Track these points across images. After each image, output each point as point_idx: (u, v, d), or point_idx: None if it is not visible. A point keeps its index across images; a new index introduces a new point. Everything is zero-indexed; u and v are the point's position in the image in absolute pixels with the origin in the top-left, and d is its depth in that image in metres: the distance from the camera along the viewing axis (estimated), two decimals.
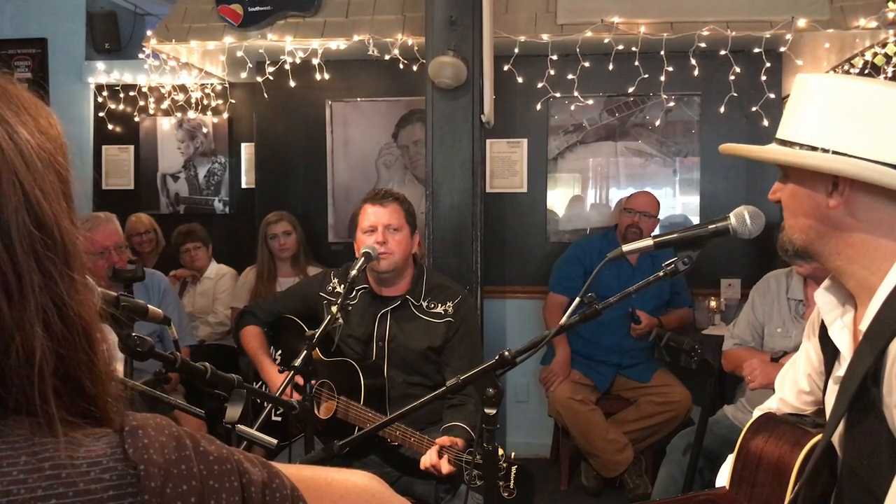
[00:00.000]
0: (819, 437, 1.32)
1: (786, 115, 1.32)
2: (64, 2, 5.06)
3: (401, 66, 4.08)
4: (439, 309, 2.58)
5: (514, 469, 1.95)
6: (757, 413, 1.56)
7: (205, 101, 4.77)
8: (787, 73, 4.09)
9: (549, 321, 3.96)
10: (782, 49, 3.79)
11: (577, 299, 1.45)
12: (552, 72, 3.95)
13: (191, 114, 4.84)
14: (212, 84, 4.78)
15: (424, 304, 2.59)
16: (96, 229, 2.97)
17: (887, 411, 1.14)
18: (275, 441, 1.63)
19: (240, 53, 4.11)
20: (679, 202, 4.46)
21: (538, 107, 4.20)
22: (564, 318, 1.47)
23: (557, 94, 4.16)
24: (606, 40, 3.80)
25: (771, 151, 1.32)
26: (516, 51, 3.90)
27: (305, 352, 2.04)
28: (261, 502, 0.61)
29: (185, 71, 4.56)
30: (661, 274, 1.43)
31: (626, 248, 1.46)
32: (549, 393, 3.83)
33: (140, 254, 4.30)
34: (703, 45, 3.79)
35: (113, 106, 4.87)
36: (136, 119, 4.98)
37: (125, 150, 5.11)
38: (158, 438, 0.58)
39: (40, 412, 0.56)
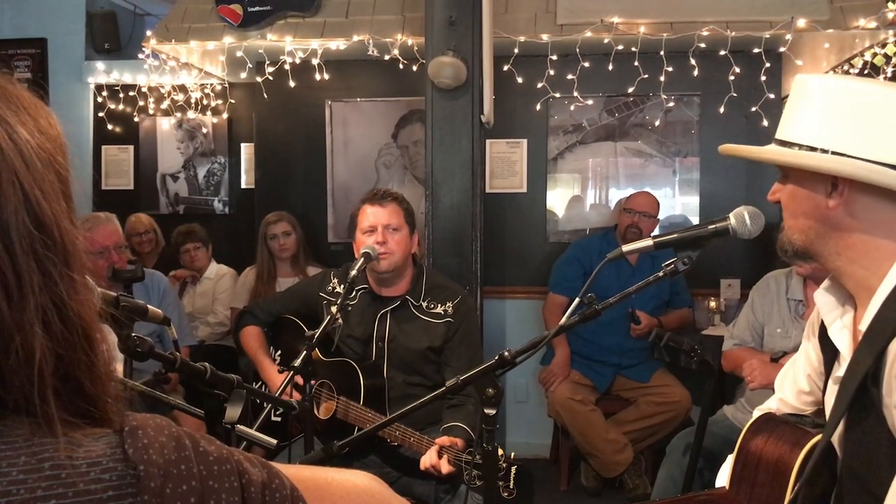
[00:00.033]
0: (819, 437, 1.32)
1: (785, 115, 1.32)
2: (63, 2, 5.06)
3: (400, 66, 4.08)
4: (439, 309, 2.58)
5: (513, 469, 1.95)
6: (757, 413, 1.56)
7: (204, 102, 4.77)
8: (787, 73, 4.09)
9: (548, 321, 3.96)
10: (782, 49, 3.79)
11: (577, 299, 1.45)
12: (552, 72, 3.95)
13: (190, 114, 4.84)
14: (211, 84, 4.78)
15: (424, 305, 2.59)
16: (96, 229, 2.97)
17: (887, 412, 1.14)
18: (274, 441, 1.63)
19: (239, 53, 4.11)
20: (679, 202, 4.46)
21: (538, 107, 4.20)
22: (564, 319, 1.47)
23: (557, 95, 4.16)
24: (606, 40, 3.80)
25: (770, 152, 1.32)
26: (516, 51, 3.91)
27: (305, 352, 2.04)
28: (260, 502, 0.61)
29: (185, 71, 4.56)
30: (660, 274, 1.43)
31: (625, 248, 1.46)
32: (549, 393, 3.83)
33: (140, 254, 4.30)
34: (702, 45, 3.79)
35: (112, 106, 4.87)
36: (136, 119, 4.98)
37: (125, 150, 5.11)
38: (158, 439, 0.58)
39: (40, 412, 0.56)
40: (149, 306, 1.72)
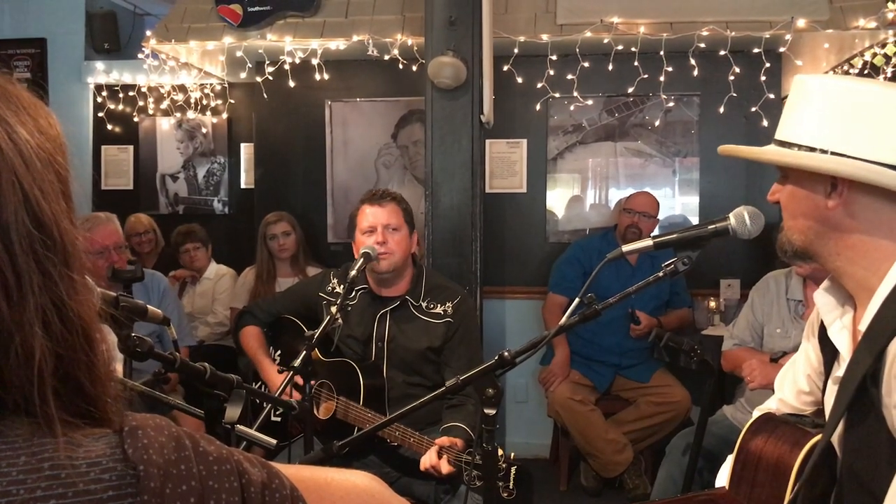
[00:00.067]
0: (818, 437, 1.32)
1: (784, 115, 1.32)
2: (63, 2, 5.06)
3: (400, 66, 4.08)
4: (439, 309, 2.58)
5: (513, 469, 1.95)
6: (756, 413, 1.56)
7: (204, 102, 4.77)
8: (787, 73, 4.09)
9: (548, 321, 3.96)
10: (782, 49, 3.79)
11: (577, 300, 1.45)
12: (552, 72, 3.95)
13: (190, 114, 4.84)
14: (211, 84, 4.78)
15: (424, 305, 2.59)
16: (96, 229, 2.97)
17: (886, 412, 1.14)
18: (274, 441, 1.63)
19: (239, 53, 4.11)
20: (678, 202, 4.46)
21: (538, 107, 4.20)
22: (564, 319, 1.47)
23: (557, 95, 4.16)
24: (606, 40, 3.80)
25: (769, 152, 1.32)
26: (516, 51, 3.91)
27: (305, 352, 2.04)
28: (260, 502, 0.61)
29: (185, 71, 4.56)
30: (660, 274, 1.43)
31: (625, 248, 1.47)
32: (549, 393, 3.83)
33: (139, 254, 4.30)
34: (702, 45, 3.79)
35: (112, 106, 4.86)
36: (136, 119, 4.97)
37: (124, 150, 5.11)
38: (158, 439, 0.58)
39: (40, 412, 0.56)
40: (148, 306, 1.72)
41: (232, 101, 4.85)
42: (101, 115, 4.93)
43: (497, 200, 4.43)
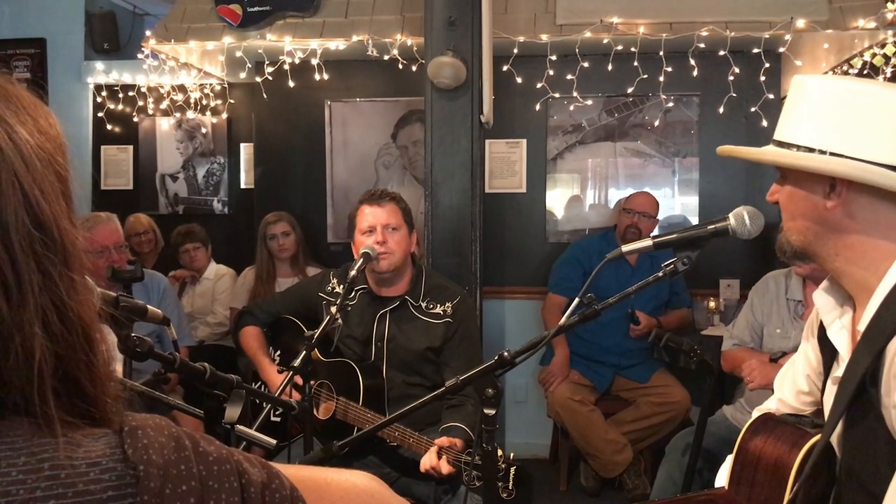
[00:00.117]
0: (818, 437, 1.32)
1: (783, 116, 1.32)
2: (63, 2, 5.06)
3: (400, 66, 4.08)
4: (438, 309, 2.58)
5: (512, 470, 1.95)
6: (756, 413, 1.56)
7: (204, 102, 4.77)
8: (786, 73, 4.09)
9: (548, 322, 3.96)
10: (781, 49, 3.80)
11: (577, 300, 1.45)
12: (551, 72, 3.96)
13: (190, 114, 4.84)
14: (211, 84, 4.78)
15: (423, 305, 2.59)
16: (96, 228, 2.98)
17: (885, 411, 1.14)
18: (274, 441, 1.63)
19: (239, 54, 4.11)
20: (678, 202, 4.46)
21: (537, 107, 4.20)
22: (564, 319, 1.47)
23: (556, 95, 4.16)
24: (605, 41, 3.80)
25: (768, 153, 1.32)
26: (515, 51, 3.91)
27: (304, 352, 2.04)
28: (260, 502, 0.61)
29: (184, 71, 4.56)
30: (660, 274, 1.43)
31: (625, 248, 1.47)
32: (549, 393, 3.83)
33: (139, 254, 4.30)
34: (702, 45, 3.79)
35: (112, 106, 4.86)
36: (135, 119, 4.97)
37: (124, 150, 5.11)
38: (158, 439, 0.58)
39: (39, 413, 0.56)
40: (148, 306, 1.72)
41: (231, 102, 4.85)
42: (100, 115, 4.93)
43: (497, 200, 4.43)
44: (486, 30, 3.32)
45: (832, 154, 1.21)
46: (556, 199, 4.52)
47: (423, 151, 3.42)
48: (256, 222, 4.32)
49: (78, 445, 0.56)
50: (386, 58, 4.07)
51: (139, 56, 4.37)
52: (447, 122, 3.31)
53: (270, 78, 4.21)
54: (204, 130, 5.03)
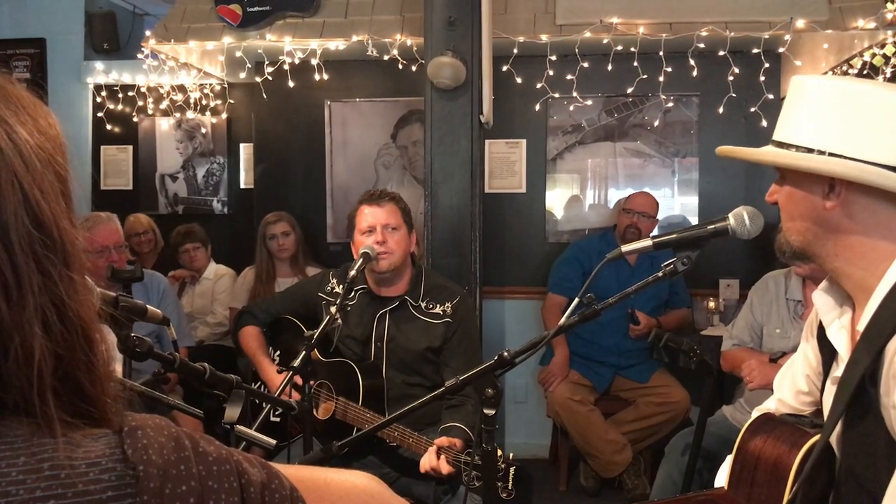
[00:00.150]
0: (817, 437, 1.32)
1: (782, 116, 1.32)
2: (63, 2, 5.06)
3: (400, 66, 4.08)
4: (438, 309, 2.58)
5: (512, 470, 1.95)
6: (755, 413, 1.56)
7: (203, 102, 4.77)
8: (786, 73, 4.09)
9: (547, 322, 3.96)
10: (781, 50, 3.80)
11: (576, 300, 1.45)
12: (551, 72, 3.96)
13: (189, 114, 4.84)
14: (210, 84, 4.78)
15: (423, 305, 2.59)
16: (96, 228, 2.98)
17: (885, 412, 1.14)
18: (273, 441, 1.63)
19: (238, 54, 4.11)
20: (678, 203, 4.47)
21: (537, 107, 4.21)
22: (563, 319, 1.47)
23: (556, 95, 4.16)
24: (605, 41, 3.80)
25: (767, 154, 1.32)
26: (515, 51, 3.91)
27: (304, 352, 2.04)
28: (260, 503, 0.61)
29: (184, 71, 4.56)
30: (660, 274, 1.43)
31: (625, 248, 1.47)
32: (548, 393, 3.83)
33: (139, 254, 4.29)
34: (701, 45, 3.79)
35: (111, 106, 4.86)
36: (135, 119, 4.97)
37: (124, 150, 5.11)
38: (157, 439, 0.58)
39: (39, 413, 0.56)
40: (148, 306, 1.72)
41: (231, 102, 4.85)
42: (100, 115, 4.93)
43: (496, 200, 4.43)
44: (485, 30, 3.32)
45: (831, 154, 1.21)
46: (556, 200, 4.52)
47: (423, 151, 3.42)
48: (256, 222, 4.32)
49: (77, 445, 0.56)
50: (386, 58, 4.07)
51: (139, 56, 4.36)
52: (447, 122, 3.31)
53: (270, 78, 4.21)
54: (204, 130, 5.03)
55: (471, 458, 2.04)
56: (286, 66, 4.13)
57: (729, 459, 1.51)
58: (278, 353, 2.87)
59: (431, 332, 2.55)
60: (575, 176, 4.52)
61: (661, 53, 3.80)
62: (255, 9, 4.02)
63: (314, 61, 4.11)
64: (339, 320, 2.61)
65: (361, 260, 2.44)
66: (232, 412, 1.57)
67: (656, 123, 4.31)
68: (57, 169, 0.62)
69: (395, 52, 3.98)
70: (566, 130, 4.44)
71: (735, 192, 4.26)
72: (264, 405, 2.29)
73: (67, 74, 5.05)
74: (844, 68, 4.05)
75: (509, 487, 1.94)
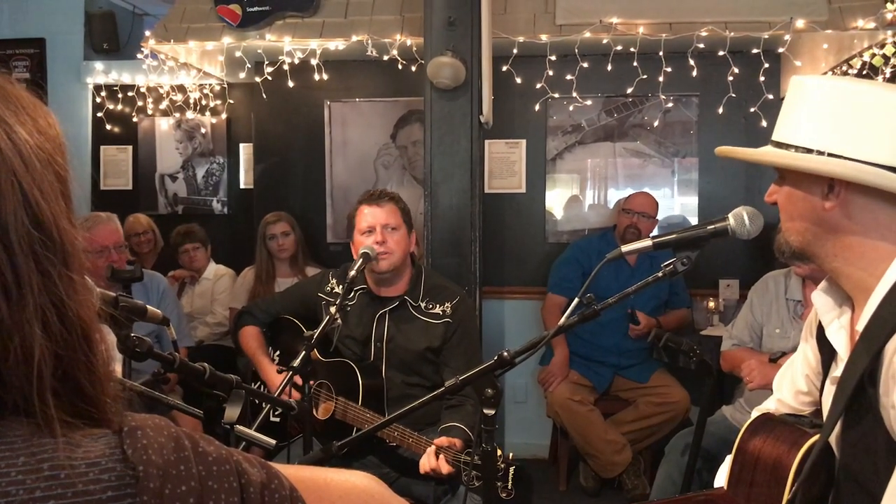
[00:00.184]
0: (816, 437, 1.32)
1: (781, 116, 1.32)
2: (62, 2, 5.06)
3: (399, 66, 4.08)
4: (437, 310, 2.58)
5: (512, 470, 1.95)
6: (755, 413, 1.56)
7: (203, 102, 4.77)
8: (786, 73, 4.09)
9: (547, 322, 3.96)
10: (781, 50, 3.80)
11: (576, 300, 1.45)
12: (551, 72, 3.96)
13: (189, 114, 4.84)
14: (210, 84, 4.78)
15: (423, 305, 2.59)
16: (96, 228, 2.98)
17: (884, 411, 1.14)
18: (273, 441, 1.63)
19: (238, 54, 4.11)
20: (677, 203, 4.47)
21: (537, 107, 4.21)
22: (563, 319, 1.47)
23: (556, 95, 4.16)
24: (605, 41, 3.80)
25: (766, 154, 1.32)
26: (515, 51, 3.91)
27: (304, 352, 2.04)
28: (260, 503, 0.61)
29: (184, 71, 4.56)
30: (659, 274, 1.43)
31: (624, 248, 1.47)
32: (548, 393, 3.83)
33: (138, 254, 4.29)
34: (701, 45, 3.80)
35: (111, 106, 4.86)
36: (135, 119, 4.97)
37: (123, 150, 5.11)
38: (157, 439, 0.58)
39: (39, 413, 0.56)
40: (148, 307, 1.72)
41: (231, 102, 4.85)
42: (100, 115, 4.93)
43: (496, 201, 4.43)
44: (485, 30, 3.32)
45: (830, 155, 1.21)
46: (556, 200, 4.52)
47: (423, 151, 3.42)
48: (256, 222, 4.32)
49: (77, 446, 0.56)
50: (385, 58, 4.07)
51: (138, 56, 4.36)
52: (447, 122, 3.31)
53: (270, 78, 4.21)
54: (203, 130, 5.02)
55: (470, 458, 2.04)
56: (286, 66, 4.13)
57: (728, 459, 1.51)
58: (278, 353, 2.87)
59: (431, 332, 2.55)
60: (575, 176, 4.52)
61: (660, 53, 3.80)
62: (255, 9, 4.02)
63: (314, 61, 4.11)
64: (339, 320, 2.61)
65: (361, 260, 2.44)
66: (232, 412, 1.57)
67: (656, 123, 4.31)
68: (57, 169, 0.62)
69: (394, 52, 3.98)
70: (566, 130, 4.44)
71: (735, 192, 4.26)
72: (264, 405, 2.29)
73: (67, 74, 5.05)
74: (844, 68, 4.06)
75: (509, 487, 1.94)
